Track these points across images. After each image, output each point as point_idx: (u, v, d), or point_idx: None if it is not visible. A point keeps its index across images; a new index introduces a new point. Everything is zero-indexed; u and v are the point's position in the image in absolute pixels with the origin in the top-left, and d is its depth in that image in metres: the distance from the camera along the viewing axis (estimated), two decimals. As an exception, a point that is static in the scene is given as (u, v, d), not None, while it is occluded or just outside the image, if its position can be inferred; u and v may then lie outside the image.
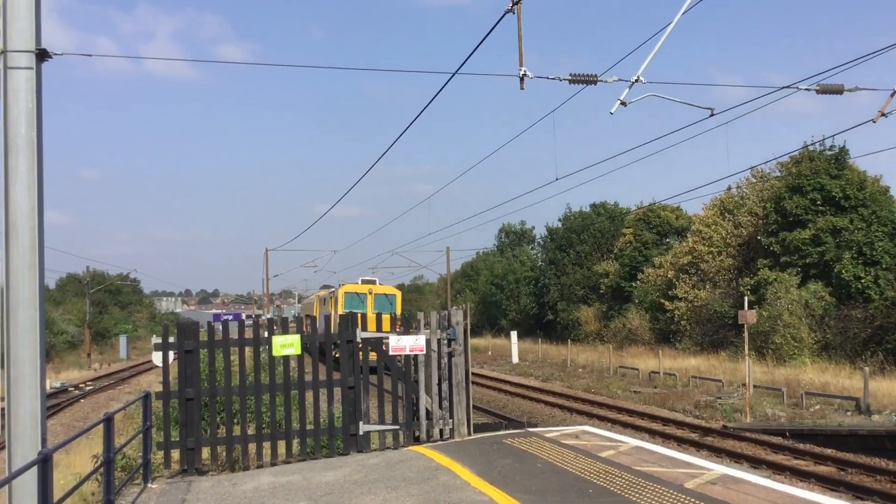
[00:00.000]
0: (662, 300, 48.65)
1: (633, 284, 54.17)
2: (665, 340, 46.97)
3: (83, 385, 42.52)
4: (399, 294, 43.72)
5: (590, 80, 12.27)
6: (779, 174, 43.20)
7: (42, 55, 9.09)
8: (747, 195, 46.22)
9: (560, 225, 68.18)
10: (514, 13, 11.88)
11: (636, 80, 12.30)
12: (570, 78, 12.31)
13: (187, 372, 11.18)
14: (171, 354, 11.34)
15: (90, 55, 10.77)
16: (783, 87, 13.51)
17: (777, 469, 16.61)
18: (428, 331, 12.27)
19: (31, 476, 6.83)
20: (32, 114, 8.81)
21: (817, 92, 13.59)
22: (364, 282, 43.39)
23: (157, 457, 11.54)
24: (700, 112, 14.05)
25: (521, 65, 12.16)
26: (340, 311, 37.46)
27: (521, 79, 12.04)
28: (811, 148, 39.69)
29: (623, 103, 12.26)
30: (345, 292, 41.71)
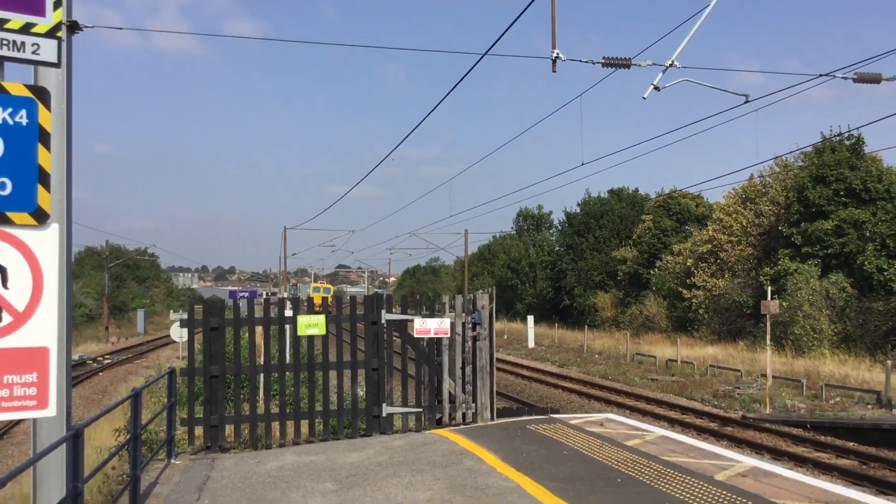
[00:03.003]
0: (680, 288, 48.34)
1: (651, 271, 53.85)
2: (682, 328, 46.71)
3: (101, 358, 42.80)
4: (333, 288, 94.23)
5: (623, 64, 12.09)
6: (802, 164, 42.76)
7: (73, 27, 8.99)
8: (770, 184, 45.77)
9: (579, 210, 67.85)
10: (548, -6, 11.70)
11: (670, 65, 12.12)
12: (603, 61, 12.14)
13: (212, 349, 11.15)
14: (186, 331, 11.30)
15: (120, 28, 10.67)
16: (820, 76, 13.27)
17: (799, 461, 16.46)
18: (453, 314, 12.19)
19: (57, 451, 6.79)
20: (63, 87, 8.72)
21: (854, 80, 13.35)
22: (321, 282, 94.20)
23: (180, 432, 11.54)
24: (732, 99, 13.87)
25: (553, 47, 12.00)
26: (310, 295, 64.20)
27: (554, 61, 11.88)
28: (831, 138, 39.24)
29: (657, 88, 12.08)
30: (312, 286, 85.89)
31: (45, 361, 3.80)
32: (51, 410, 3.87)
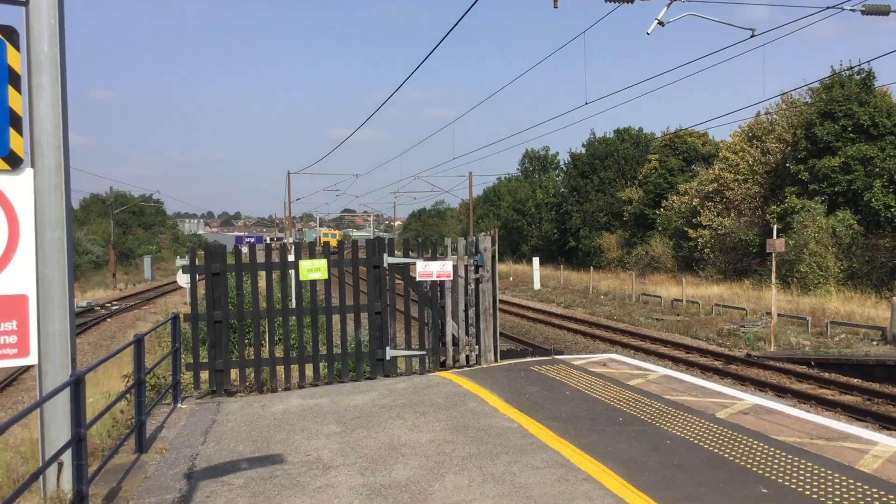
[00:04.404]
0: (686, 228, 48.25)
1: (657, 211, 53.69)
2: (688, 268, 46.75)
3: (109, 304, 43.07)
4: (339, 233, 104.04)
5: (626, -1, 11.83)
6: (809, 100, 42.23)
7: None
8: (777, 121, 45.31)
9: (583, 151, 67.40)
10: (548, -73, 11.40)
11: None
12: (605, -4, 11.87)
13: (215, 294, 11.17)
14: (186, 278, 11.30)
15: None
16: (828, 8, 12.98)
17: (802, 398, 16.55)
18: (455, 257, 12.15)
19: (62, 396, 6.84)
20: (55, 30, 8.55)
21: (863, 13, 13.07)
22: (329, 229, 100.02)
23: (186, 377, 11.63)
24: (738, 34, 13.63)
25: (555, -18, 11.73)
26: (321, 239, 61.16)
27: (555, -3, 11.62)
28: (841, 73, 38.73)
29: (661, 23, 11.82)
30: (322, 231, 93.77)
31: (25, 309, 3.77)
32: (32, 358, 3.84)
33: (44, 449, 7.49)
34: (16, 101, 3.69)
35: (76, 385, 6.02)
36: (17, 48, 3.64)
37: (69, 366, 8.27)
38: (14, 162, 3.69)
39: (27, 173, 3.80)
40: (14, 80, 3.70)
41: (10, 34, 3.67)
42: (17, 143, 3.69)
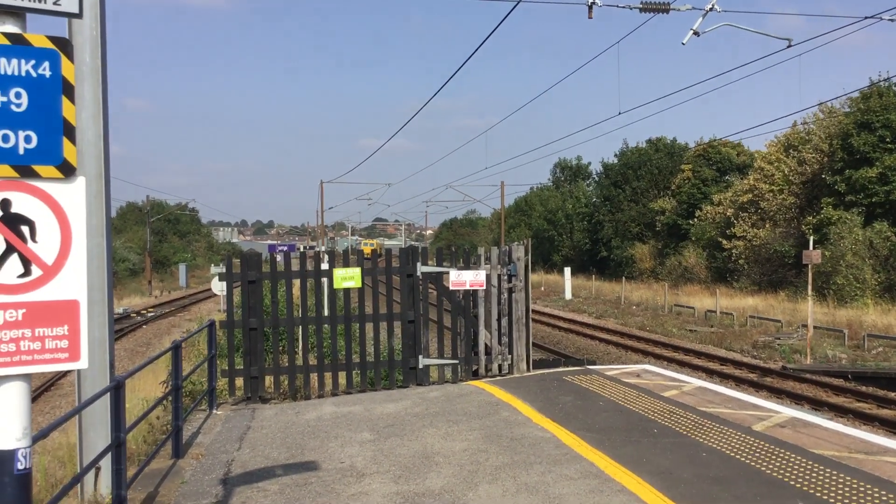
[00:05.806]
0: (720, 238, 47.80)
1: (691, 222, 53.26)
2: (721, 279, 46.29)
3: (145, 311, 43.55)
4: (376, 242, 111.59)
5: (662, 9, 11.79)
6: (848, 110, 41.70)
7: (105, -19, 8.94)
8: (814, 131, 44.79)
9: (616, 161, 67.10)
10: (583, -62, 11.42)
11: (710, 9, 11.81)
12: (640, 6, 11.85)
13: (250, 302, 11.27)
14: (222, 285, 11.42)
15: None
16: (866, 18, 12.84)
17: (839, 411, 16.31)
18: (488, 266, 12.16)
19: (101, 402, 6.94)
20: (97, 41, 8.71)
21: (902, 22, 12.92)
22: (367, 239, 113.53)
23: (221, 384, 11.73)
24: (774, 44, 13.54)
25: (589, -8, 11.73)
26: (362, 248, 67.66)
27: (590, 7, 11.62)
28: (878, 83, 38.24)
29: (696, 33, 11.78)
30: (363, 242, 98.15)
31: (76, 314, 3.83)
32: (83, 363, 3.90)
33: (82, 453, 7.60)
34: (69, 111, 3.76)
35: (116, 390, 6.12)
36: (72, 60, 3.70)
37: (108, 372, 8.38)
38: (67, 171, 3.76)
39: (79, 181, 3.86)
40: (68, 91, 3.77)
41: (65, 46, 3.73)
42: (70, 152, 3.75)
